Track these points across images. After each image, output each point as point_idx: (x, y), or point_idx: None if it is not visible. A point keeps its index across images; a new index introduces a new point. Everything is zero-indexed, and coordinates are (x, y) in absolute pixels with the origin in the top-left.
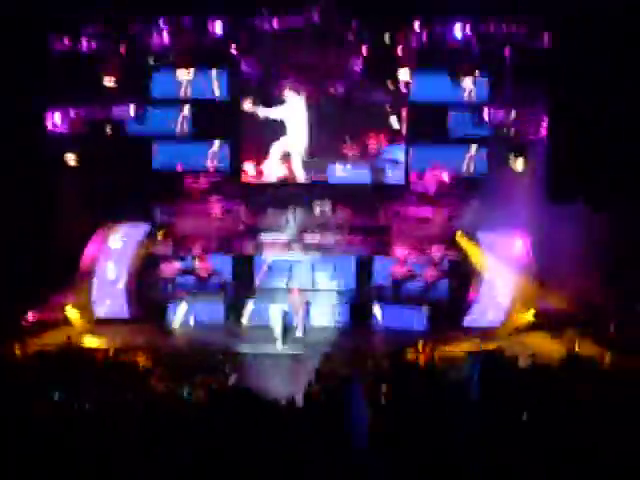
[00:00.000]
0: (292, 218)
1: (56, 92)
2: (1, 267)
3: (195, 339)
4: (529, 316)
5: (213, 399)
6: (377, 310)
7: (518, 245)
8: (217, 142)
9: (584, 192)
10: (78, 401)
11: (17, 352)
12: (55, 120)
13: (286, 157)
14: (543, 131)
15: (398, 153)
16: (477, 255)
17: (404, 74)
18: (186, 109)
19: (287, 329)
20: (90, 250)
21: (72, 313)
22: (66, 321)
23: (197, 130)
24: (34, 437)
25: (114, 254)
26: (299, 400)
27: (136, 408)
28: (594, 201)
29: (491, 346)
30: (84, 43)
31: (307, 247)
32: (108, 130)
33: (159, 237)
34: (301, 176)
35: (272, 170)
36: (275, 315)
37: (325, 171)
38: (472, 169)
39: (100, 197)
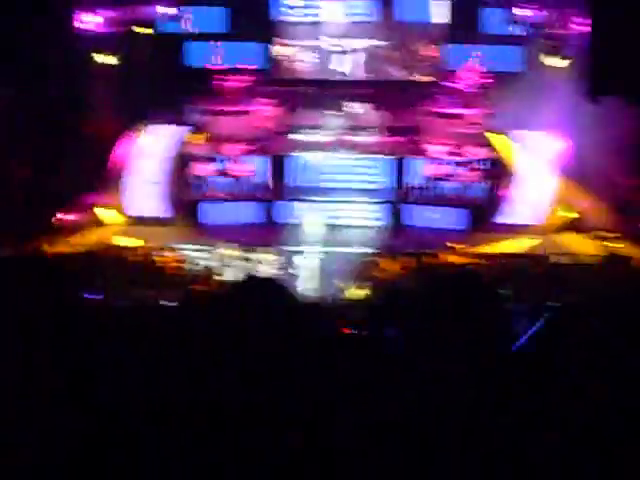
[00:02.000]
0: (327, 117)
1: None
2: (33, 168)
3: (227, 239)
4: (564, 216)
5: (241, 287)
6: (412, 210)
7: (554, 144)
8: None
9: (623, 88)
10: (110, 301)
11: (47, 251)
12: (84, 19)
13: (320, 54)
14: (582, 28)
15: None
16: (513, 154)
17: None
18: (218, 7)
19: (320, 231)
20: (123, 150)
21: (104, 213)
22: (98, 221)
23: (230, 28)
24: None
25: (148, 154)
26: (328, 299)
27: (171, 308)
28: (632, 96)
29: (526, 244)
30: None
31: (342, 147)
32: (139, 29)
33: (193, 137)
34: (336, 73)
35: (306, 67)
36: (308, 217)
37: (360, 68)
38: (508, 67)
39: (133, 97)
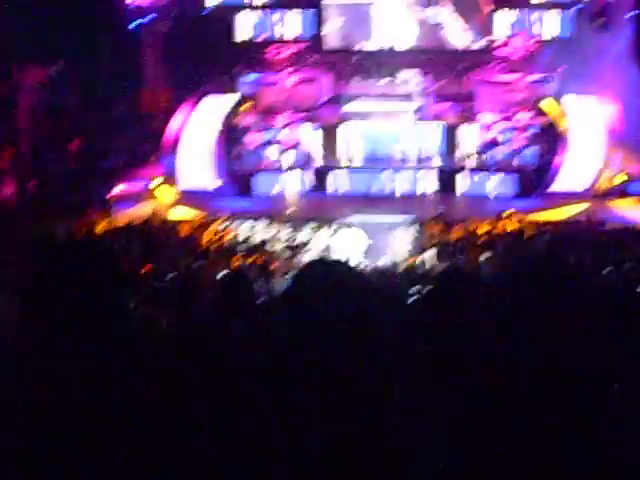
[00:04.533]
0: (378, 86)
1: None
2: (85, 143)
3: (282, 209)
4: (617, 181)
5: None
6: (463, 177)
7: (605, 109)
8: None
9: None
10: (163, 275)
11: (101, 225)
12: None
13: (372, 24)
14: None
15: None
16: (564, 120)
17: None
18: None
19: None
20: (176, 122)
21: (159, 186)
22: (153, 195)
23: None
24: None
25: (201, 125)
26: (393, 268)
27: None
28: None
29: (577, 210)
30: None
31: (393, 115)
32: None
33: (244, 108)
34: (388, 43)
35: (357, 37)
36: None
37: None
38: (557, 33)
39: (184, 69)
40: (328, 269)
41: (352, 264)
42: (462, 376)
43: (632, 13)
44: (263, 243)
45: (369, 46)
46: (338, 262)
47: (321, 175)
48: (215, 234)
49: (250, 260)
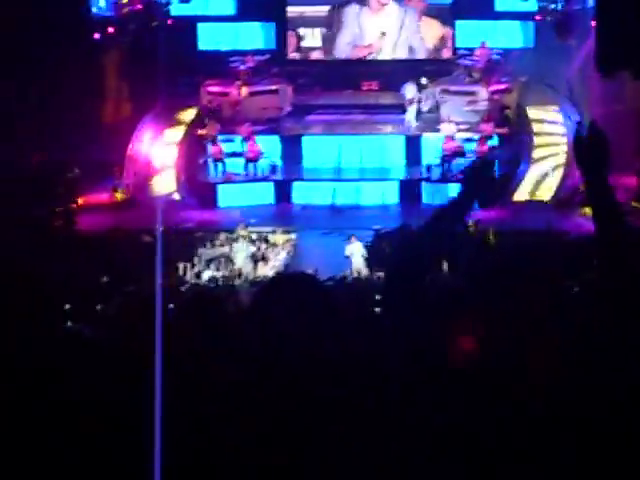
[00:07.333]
0: (342, 96)
1: None
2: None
3: (244, 221)
4: (580, 190)
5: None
6: (426, 188)
7: (568, 119)
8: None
9: (633, 63)
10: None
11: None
12: (100, 3)
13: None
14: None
15: None
16: (527, 130)
17: None
18: None
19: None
20: (139, 133)
21: (123, 197)
22: (118, 206)
23: (242, 9)
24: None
25: (162, 137)
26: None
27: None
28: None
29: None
30: None
31: (355, 126)
32: (153, 12)
33: (206, 119)
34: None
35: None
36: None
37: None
38: (520, 43)
39: (147, 80)
40: (294, 283)
41: (317, 277)
42: (430, 387)
43: (593, 23)
44: (228, 255)
45: (331, 57)
46: (304, 275)
47: (285, 186)
48: (181, 246)
49: (215, 273)
